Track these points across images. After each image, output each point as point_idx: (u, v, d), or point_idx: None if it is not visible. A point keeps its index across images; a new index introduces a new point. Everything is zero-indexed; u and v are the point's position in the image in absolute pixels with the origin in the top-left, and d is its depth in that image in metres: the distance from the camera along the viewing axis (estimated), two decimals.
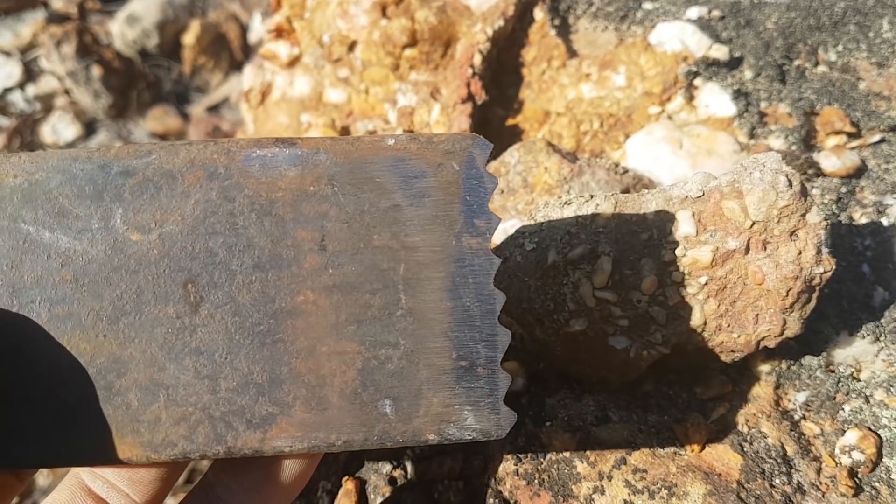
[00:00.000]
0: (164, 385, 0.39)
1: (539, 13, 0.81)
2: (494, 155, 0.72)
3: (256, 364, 0.40)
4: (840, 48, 0.80)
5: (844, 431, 0.58)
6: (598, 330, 0.57)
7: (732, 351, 0.57)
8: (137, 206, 0.40)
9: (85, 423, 0.39)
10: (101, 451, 0.39)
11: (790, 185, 0.52)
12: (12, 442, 0.38)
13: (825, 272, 0.53)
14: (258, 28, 1.85)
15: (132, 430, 0.39)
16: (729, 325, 0.55)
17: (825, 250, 0.52)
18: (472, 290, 0.42)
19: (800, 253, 0.52)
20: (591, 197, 0.59)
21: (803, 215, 0.52)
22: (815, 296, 0.54)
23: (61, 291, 0.39)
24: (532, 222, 0.60)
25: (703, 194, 0.55)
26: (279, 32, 0.97)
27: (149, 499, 0.44)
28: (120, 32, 1.90)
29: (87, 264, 0.40)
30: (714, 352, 0.57)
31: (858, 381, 0.61)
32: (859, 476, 0.56)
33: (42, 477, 1.30)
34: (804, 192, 0.52)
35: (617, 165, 0.70)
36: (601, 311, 0.57)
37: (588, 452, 0.58)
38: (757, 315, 0.54)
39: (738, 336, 0.55)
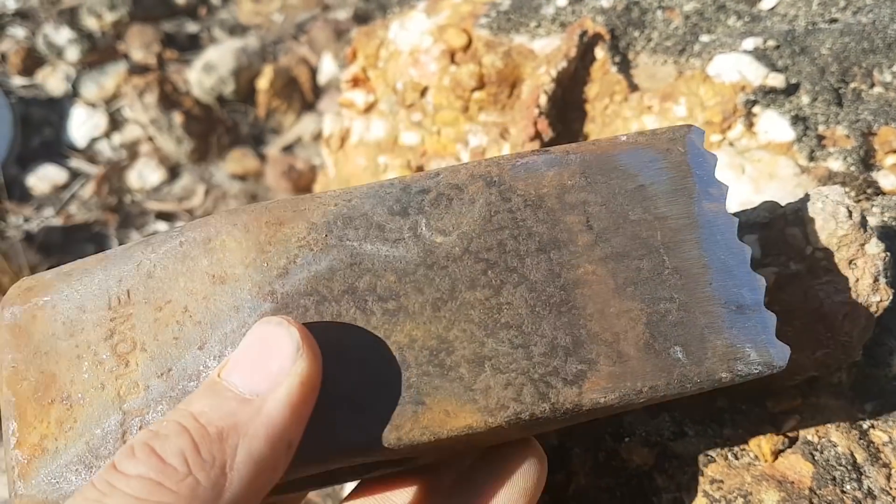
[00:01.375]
0: (486, 357, 0.45)
1: (600, 52, 0.86)
2: None
3: (559, 330, 0.46)
4: (895, 69, 0.83)
5: None
6: None
7: (792, 372, 0.60)
8: (436, 215, 0.48)
9: (429, 399, 0.45)
10: (446, 422, 0.44)
11: (850, 215, 0.56)
12: (372, 424, 0.44)
13: (882, 301, 0.56)
14: (327, 70, 1.93)
15: (469, 399, 0.44)
16: (789, 346, 0.58)
17: (883, 280, 0.56)
18: (722, 246, 0.47)
19: (857, 280, 0.56)
20: None
21: (862, 245, 0.56)
22: (871, 323, 0.57)
23: (389, 290, 0.46)
24: None
25: (769, 221, 0.59)
26: (355, 82, 1.04)
27: None
28: (198, 80, 2.00)
29: (405, 266, 0.47)
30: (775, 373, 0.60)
31: None
32: None
33: None
34: (864, 224, 0.56)
35: None
36: None
37: (666, 465, 0.62)
38: (815, 338, 0.58)
39: (797, 358, 0.58)
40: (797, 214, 0.58)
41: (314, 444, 0.43)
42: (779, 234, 0.58)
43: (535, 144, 0.80)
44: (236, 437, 0.38)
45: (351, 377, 0.45)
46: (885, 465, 0.60)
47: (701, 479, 0.60)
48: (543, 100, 0.81)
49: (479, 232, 0.47)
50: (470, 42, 0.92)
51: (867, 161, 0.76)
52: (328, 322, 0.45)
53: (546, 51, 0.87)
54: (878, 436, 0.62)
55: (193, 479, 0.36)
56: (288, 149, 1.96)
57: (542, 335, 0.45)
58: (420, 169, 0.95)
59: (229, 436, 0.38)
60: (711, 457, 0.61)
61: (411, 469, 0.52)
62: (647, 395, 0.45)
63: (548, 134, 0.81)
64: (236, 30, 2.23)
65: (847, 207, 0.57)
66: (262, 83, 1.96)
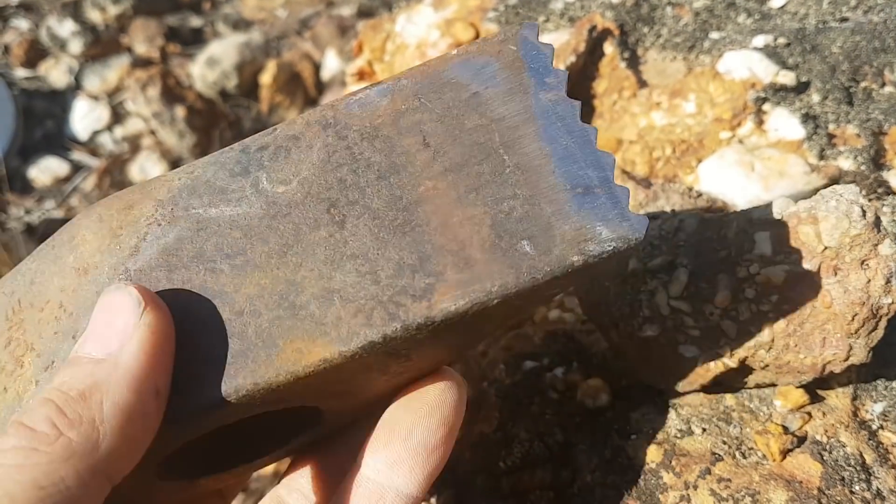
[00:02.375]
0: (335, 290, 0.46)
1: (609, 47, 0.85)
2: None
3: (404, 250, 0.46)
4: None
5: None
6: (669, 337, 0.61)
7: (800, 372, 0.59)
8: (276, 167, 0.48)
9: (284, 341, 0.45)
10: (302, 359, 0.45)
11: (864, 215, 0.55)
12: (236, 374, 0.45)
13: (893, 303, 0.55)
14: (330, 66, 1.92)
15: (321, 333, 0.45)
16: (797, 346, 0.58)
17: (895, 282, 0.55)
18: (563, 132, 0.46)
19: (869, 281, 0.55)
20: (676, 213, 0.63)
21: (875, 246, 0.55)
22: (881, 325, 0.56)
23: (236, 247, 0.47)
24: None
25: (782, 218, 0.58)
26: (361, 75, 1.03)
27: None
28: (201, 74, 2.00)
29: (249, 221, 0.47)
30: (783, 372, 0.60)
31: None
32: None
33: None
34: (878, 224, 0.55)
35: (691, 189, 0.74)
36: (674, 320, 0.60)
37: (673, 463, 0.61)
38: (824, 338, 0.57)
39: (805, 357, 0.58)
40: (810, 212, 0.57)
41: (185, 406, 0.45)
42: (791, 231, 0.58)
43: None
44: (99, 393, 0.40)
45: (206, 336, 0.46)
46: (895, 467, 0.59)
47: (708, 477, 0.59)
48: None
49: (318, 174, 0.48)
50: (478, 36, 0.91)
51: (877, 160, 0.76)
52: (177, 289, 0.46)
53: (555, 45, 0.86)
54: (887, 437, 0.61)
55: (66, 438, 0.38)
56: None
57: (388, 258, 0.46)
58: None
59: (92, 394, 0.40)
60: (719, 455, 0.61)
61: (329, 433, 0.54)
62: (497, 293, 0.44)
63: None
64: (240, 24, 2.23)
65: (861, 207, 0.56)
66: (266, 78, 1.95)
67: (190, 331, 0.46)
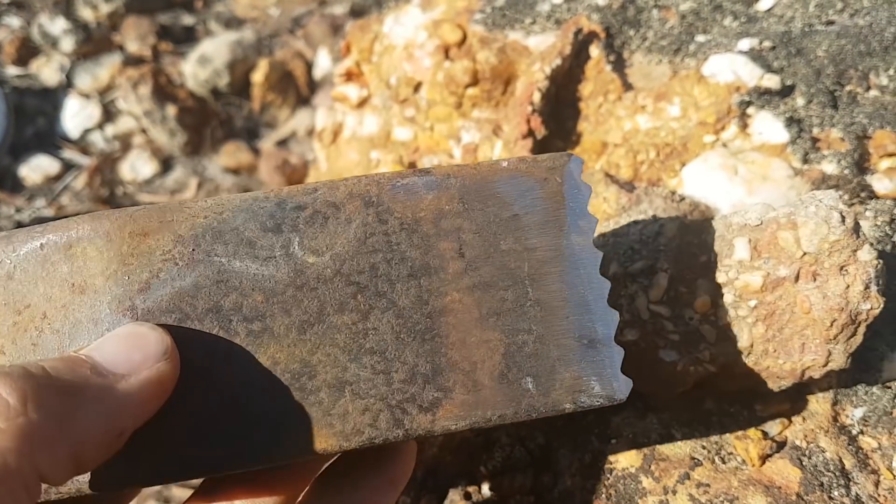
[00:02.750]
0: (348, 382, 0.46)
1: (595, 50, 0.85)
2: None
3: (420, 357, 0.47)
4: (892, 72, 0.82)
5: None
6: (649, 342, 0.61)
7: (779, 377, 0.59)
8: (311, 234, 0.47)
9: (287, 423, 0.45)
10: (302, 446, 0.45)
11: (843, 221, 0.55)
12: (224, 447, 0.45)
13: (872, 309, 0.55)
14: (323, 65, 1.92)
15: (326, 424, 0.45)
16: (776, 351, 0.58)
17: (874, 288, 0.55)
18: (584, 280, 0.49)
19: (848, 287, 0.55)
20: (657, 218, 0.63)
21: (854, 251, 0.55)
22: (860, 331, 0.57)
23: (255, 311, 0.46)
24: (601, 238, 0.64)
25: (761, 223, 0.58)
26: (349, 76, 1.03)
27: None
28: (192, 73, 1.99)
29: (274, 286, 0.46)
30: (761, 377, 0.60)
31: None
32: None
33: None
34: (857, 230, 0.55)
35: (674, 193, 0.74)
36: (654, 324, 0.60)
37: (653, 468, 0.61)
38: (803, 344, 0.57)
39: (784, 363, 0.58)
40: (789, 218, 0.57)
41: (163, 460, 0.44)
42: (770, 236, 0.58)
43: (528, 142, 0.80)
44: (80, 398, 0.39)
45: (208, 397, 0.45)
46: (874, 472, 0.59)
47: (687, 482, 0.59)
48: (537, 97, 0.81)
49: (352, 254, 0.47)
50: (465, 37, 0.91)
51: (861, 164, 0.76)
52: (190, 339, 0.45)
53: (541, 48, 0.86)
54: (867, 442, 0.61)
55: (27, 418, 0.36)
56: (282, 143, 1.94)
57: (405, 362, 0.47)
58: (412, 165, 0.94)
59: (74, 393, 0.39)
60: (698, 460, 0.61)
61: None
62: (495, 422, 0.47)
63: (541, 132, 0.80)
64: (232, 23, 2.22)
65: (840, 212, 0.56)
66: (258, 77, 1.94)
67: (189, 387, 0.44)
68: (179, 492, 1.25)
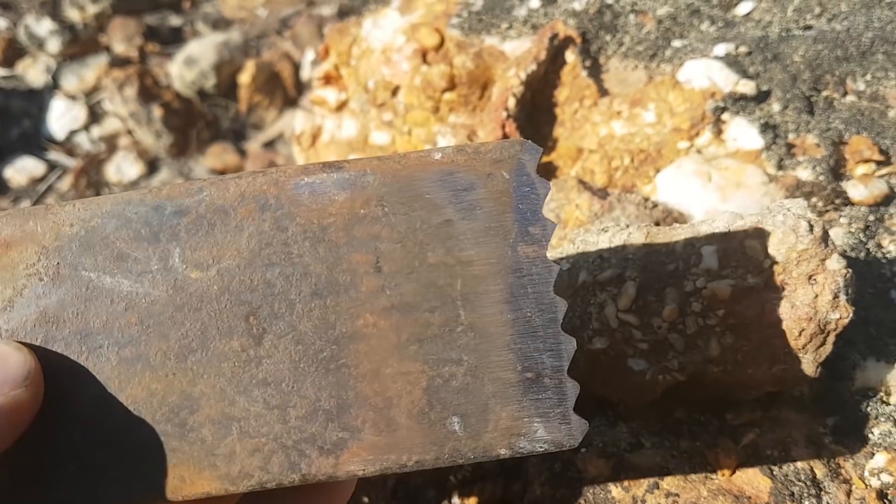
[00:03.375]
0: (235, 418, 0.40)
1: (570, 55, 0.85)
2: None
3: (323, 391, 0.41)
4: (868, 77, 0.82)
5: (873, 454, 0.60)
6: (618, 350, 0.60)
7: (748, 387, 0.59)
8: (194, 244, 0.42)
9: (164, 462, 0.40)
10: (181, 487, 0.40)
11: (811, 230, 0.55)
12: (90, 487, 0.40)
13: (841, 318, 0.55)
14: (310, 66, 1.92)
15: (209, 465, 0.40)
16: (744, 360, 0.57)
17: (843, 297, 0.55)
18: (532, 300, 0.42)
19: (816, 296, 0.55)
20: (627, 226, 0.63)
21: (823, 261, 0.55)
22: (829, 340, 0.56)
23: (128, 334, 0.41)
24: (571, 246, 0.64)
25: (729, 232, 0.58)
26: (328, 79, 1.03)
27: None
28: (179, 74, 1.99)
29: (150, 305, 0.41)
30: (731, 387, 0.60)
31: (887, 405, 0.63)
32: (889, 498, 0.57)
33: None
34: (825, 239, 0.55)
35: (647, 200, 0.73)
36: (623, 333, 0.60)
37: (622, 477, 0.61)
38: (772, 353, 0.57)
39: (753, 372, 0.57)
40: (757, 226, 0.57)
41: (24, 500, 0.40)
42: (738, 245, 0.57)
43: None
44: None
45: (73, 431, 0.40)
46: (846, 482, 0.59)
47: (657, 491, 0.59)
48: (512, 102, 0.80)
49: (243, 267, 0.41)
50: (442, 42, 0.90)
51: (837, 170, 0.76)
52: (55, 364, 0.40)
53: (517, 53, 0.86)
54: (838, 451, 0.61)
55: None
56: (269, 145, 1.94)
57: (304, 396, 0.41)
58: None
59: None
60: (668, 469, 0.60)
61: None
62: (412, 468, 0.41)
63: (515, 137, 0.80)
64: (220, 24, 2.22)
65: (808, 221, 0.55)
66: (244, 78, 1.94)
67: (52, 421, 0.40)
68: None
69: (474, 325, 0.41)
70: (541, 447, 0.41)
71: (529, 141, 0.43)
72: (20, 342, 0.40)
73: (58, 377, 0.40)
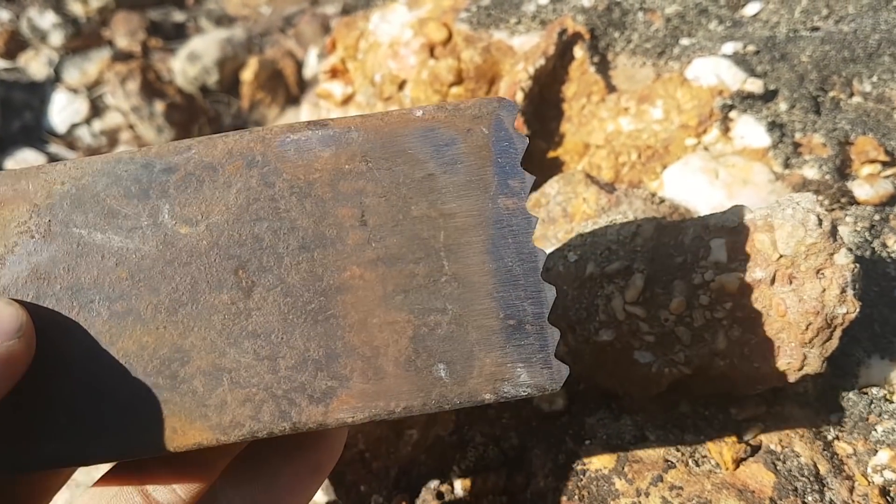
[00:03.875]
0: (226, 369, 0.41)
1: (579, 51, 0.85)
2: (535, 186, 0.76)
3: (312, 341, 0.41)
4: (875, 79, 0.82)
5: (877, 451, 0.60)
6: (624, 342, 0.60)
7: (754, 381, 0.59)
8: (183, 200, 0.42)
9: (155, 414, 0.41)
10: (172, 439, 0.40)
11: (819, 224, 0.55)
12: (83, 439, 0.40)
13: (848, 313, 0.55)
14: (313, 64, 1.92)
15: (200, 416, 0.41)
16: (750, 354, 0.57)
17: (851, 292, 0.55)
18: (512, 250, 0.43)
19: (824, 291, 0.55)
20: (635, 218, 0.63)
21: (831, 255, 0.55)
22: (836, 335, 0.56)
23: (119, 289, 0.41)
24: (579, 238, 0.64)
25: (738, 225, 0.58)
26: (334, 73, 1.03)
27: (194, 495, 0.47)
28: (181, 69, 1.99)
29: (140, 260, 0.41)
30: (736, 381, 0.60)
31: (891, 402, 0.63)
32: (891, 495, 0.57)
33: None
34: (834, 233, 0.55)
35: (654, 195, 0.73)
36: (629, 325, 0.60)
37: (626, 470, 0.60)
38: (778, 347, 0.57)
39: (759, 366, 0.57)
40: (766, 220, 0.57)
41: (17, 451, 0.40)
42: (747, 239, 0.57)
43: None
44: None
45: (66, 383, 0.41)
46: (849, 478, 0.59)
47: (660, 484, 0.59)
48: (520, 97, 0.80)
49: (232, 222, 0.42)
50: (450, 36, 0.90)
51: (843, 170, 0.76)
52: (46, 319, 0.41)
53: (525, 48, 0.86)
54: (842, 447, 0.61)
55: None
56: None
57: (293, 346, 0.41)
58: None
59: None
60: (672, 462, 0.60)
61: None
62: (400, 414, 0.42)
63: (523, 131, 0.80)
64: (223, 20, 2.22)
65: (817, 215, 0.55)
66: (247, 75, 1.94)
67: (44, 374, 0.40)
68: None
69: (458, 275, 0.42)
70: (524, 391, 0.42)
71: (507, 98, 0.44)
72: (12, 298, 0.41)
73: (49, 332, 0.40)
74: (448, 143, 0.43)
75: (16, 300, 0.41)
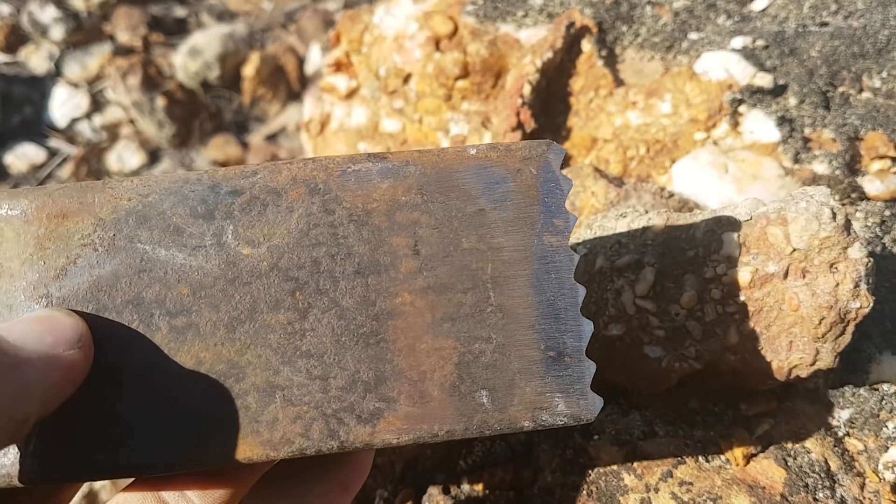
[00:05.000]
0: (279, 387, 0.42)
1: (587, 45, 0.84)
2: None
3: (362, 363, 0.43)
4: (885, 74, 0.82)
5: (888, 448, 0.59)
6: (634, 337, 0.60)
7: (766, 376, 0.58)
8: (247, 222, 0.43)
9: (208, 428, 0.41)
10: (223, 453, 0.41)
11: (833, 217, 0.54)
12: (136, 450, 0.41)
13: (861, 308, 0.54)
14: (314, 60, 1.91)
15: (252, 431, 0.42)
16: (762, 348, 0.57)
17: (864, 287, 0.54)
18: (555, 285, 0.45)
19: (837, 285, 0.54)
20: (646, 212, 0.62)
21: (845, 249, 0.54)
22: (849, 330, 0.55)
23: (180, 304, 0.42)
24: (588, 231, 0.63)
25: (751, 219, 0.57)
26: (338, 66, 1.02)
27: None
28: (182, 64, 1.98)
29: (203, 278, 0.43)
30: (747, 376, 0.59)
31: None
32: None
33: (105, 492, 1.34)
34: (848, 227, 0.54)
35: (663, 189, 0.73)
36: (639, 320, 0.59)
37: (635, 465, 0.60)
38: (791, 342, 0.56)
39: (772, 361, 0.57)
40: (779, 213, 0.56)
41: (72, 460, 0.41)
42: (759, 232, 0.57)
43: (517, 135, 0.79)
44: None
45: (122, 394, 0.41)
46: (860, 475, 0.58)
47: (670, 480, 0.58)
48: (527, 90, 0.80)
49: (292, 246, 0.43)
50: (456, 29, 0.90)
51: (853, 165, 0.75)
52: (106, 331, 0.41)
53: (532, 41, 0.85)
54: (853, 444, 0.60)
55: None
56: (271, 138, 1.93)
57: (344, 367, 0.43)
58: None
59: None
60: (682, 458, 0.60)
61: None
62: (442, 438, 0.43)
63: (530, 125, 0.79)
64: (224, 15, 2.21)
65: (831, 209, 0.55)
66: (248, 70, 1.93)
67: (102, 383, 0.41)
68: None
69: (503, 306, 0.44)
70: (561, 420, 0.44)
71: (556, 142, 0.46)
72: (71, 310, 0.41)
73: (108, 344, 0.41)
74: (499, 182, 0.45)
75: (76, 311, 0.41)
